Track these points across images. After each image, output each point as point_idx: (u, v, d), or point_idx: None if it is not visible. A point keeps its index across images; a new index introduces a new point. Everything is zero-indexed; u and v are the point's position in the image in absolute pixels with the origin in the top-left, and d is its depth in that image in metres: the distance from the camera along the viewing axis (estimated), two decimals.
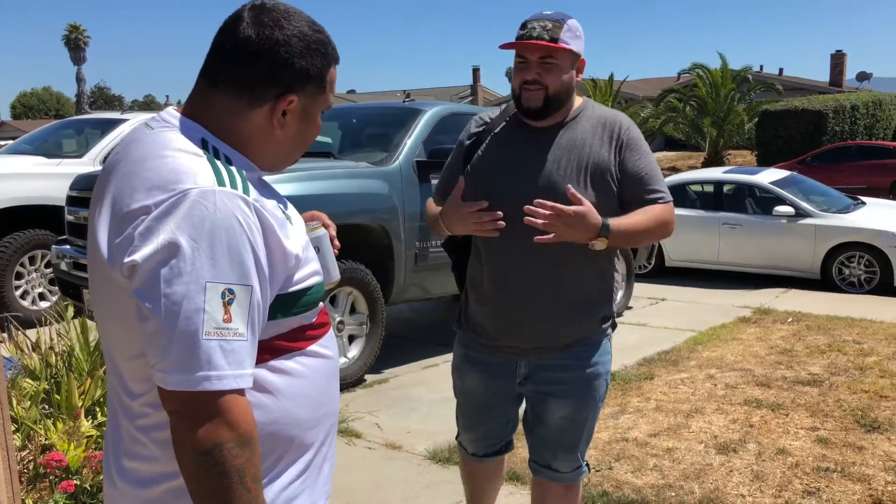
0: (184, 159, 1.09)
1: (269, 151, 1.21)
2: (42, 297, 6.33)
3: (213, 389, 1.01)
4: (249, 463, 1.03)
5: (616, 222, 1.90)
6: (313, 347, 1.23)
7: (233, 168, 1.12)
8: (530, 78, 1.96)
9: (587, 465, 2.24)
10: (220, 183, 1.07)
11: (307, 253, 1.21)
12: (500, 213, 1.93)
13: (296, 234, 1.19)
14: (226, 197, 1.06)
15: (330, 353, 1.28)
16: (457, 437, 2.41)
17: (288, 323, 1.18)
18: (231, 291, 1.03)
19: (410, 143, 5.21)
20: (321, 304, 1.28)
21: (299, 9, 1.21)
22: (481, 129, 2.14)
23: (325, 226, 1.47)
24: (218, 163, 1.11)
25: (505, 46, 1.99)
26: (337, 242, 1.49)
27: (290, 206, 1.26)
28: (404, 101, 5.95)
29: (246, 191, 1.09)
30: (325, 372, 1.26)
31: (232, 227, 1.04)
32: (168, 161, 1.09)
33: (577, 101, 2.08)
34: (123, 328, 1.11)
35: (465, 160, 2.12)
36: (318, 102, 1.22)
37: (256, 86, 1.15)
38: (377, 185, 4.89)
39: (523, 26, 1.97)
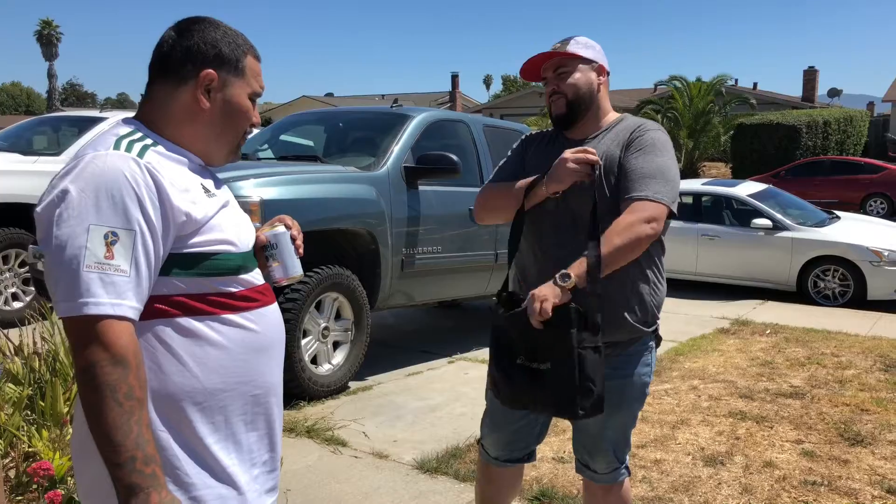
0: (98, 140, 1.30)
1: (199, 130, 1.37)
2: (15, 297, 6.18)
3: (90, 314, 1.16)
4: (122, 381, 1.15)
5: (575, 269, 1.92)
6: (232, 317, 1.34)
7: (139, 142, 1.29)
8: (550, 90, 2.11)
9: (627, 468, 2.25)
10: (116, 148, 1.26)
11: (219, 222, 1.34)
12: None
13: (206, 204, 1.32)
14: (117, 157, 1.24)
15: (257, 327, 1.38)
16: (478, 441, 2.40)
17: (194, 283, 1.30)
18: (115, 234, 1.19)
19: (399, 148, 5.17)
20: (250, 277, 1.39)
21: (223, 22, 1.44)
22: (534, 138, 2.30)
23: (287, 226, 1.56)
24: (124, 139, 1.29)
25: (524, 73, 2.18)
26: (300, 242, 1.57)
27: (224, 188, 1.44)
28: (392, 107, 5.91)
29: (140, 155, 1.26)
30: (247, 345, 1.36)
31: (117, 181, 1.21)
32: (89, 145, 1.30)
33: (614, 114, 2.18)
34: None
35: (521, 161, 2.24)
36: (238, 84, 1.39)
37: (178, 67, 1.36)
38: (365, 190, 4.84)
39: None
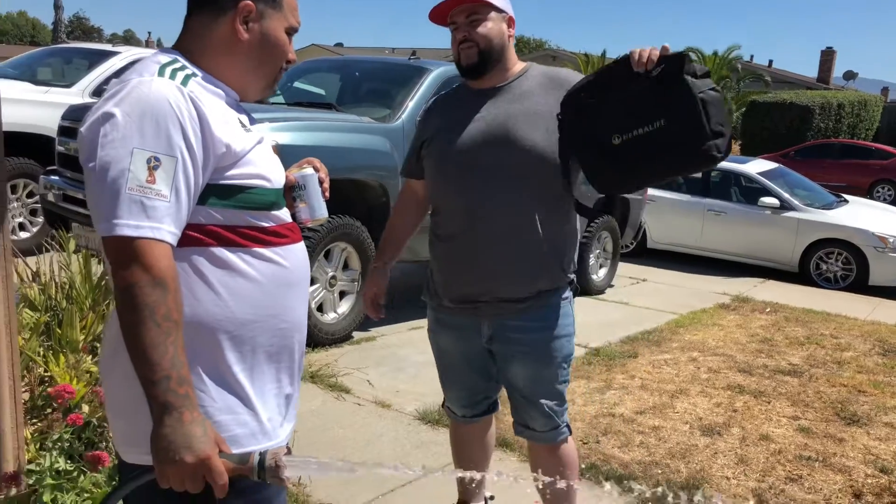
0: (141, 65, 1.31)
1: (237, 62, 1.38)
2: (22, 227, 6.17)
3: (131, 235, 1.18)
4: (161, 302, 1.17)
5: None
6: (264, 251, 1.36)
7: (182, 71, 1.30)
8: (461, 37, 2.06)
9: (568, 426, 2.26)
10: (160, 75, 1.27)
11: (254, 158, 1.35)
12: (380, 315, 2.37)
13: (244, 138, 1.34)
14: (162, 84, 1.24)
15: (286, 263, 1.40)
16: (443, 404, 2.47)
17: (229, 215, 1.32)
18: (157, 159, 1.20)
19: (415, 101, 5.13)
20: (281, 214, 1.41)
21: None
22: (432, 102, 2.29)
23: (316, 169, 1.58)
24: (168, 67, 1.29)
25: (433, 16, 2.10)
26: (326, 185, 1.59)
27: (256, 124, 1.46)
28: (409, 59, 5.84)
29: (184, 83, 1.27)
30: (277, 279, 1.38)
31: (162, 107, 1.22)
32: (131, 70, 1.31)
33: (520, 64, 2.16)
34: None
35: (423, 136, 2.21)
36: (276, 17, 1.40)
37: None
38: (379, 142, 4.82)
39: None
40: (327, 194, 1.60)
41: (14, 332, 1.92)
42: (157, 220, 1.19)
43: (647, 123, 1.80)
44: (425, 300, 2.32)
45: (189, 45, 1.38)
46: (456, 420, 2.43)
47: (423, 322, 5.36)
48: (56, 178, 5.06)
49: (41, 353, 2.45)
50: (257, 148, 1.38)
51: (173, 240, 1.23)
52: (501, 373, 2.24)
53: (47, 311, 2.66)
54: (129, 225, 1.17)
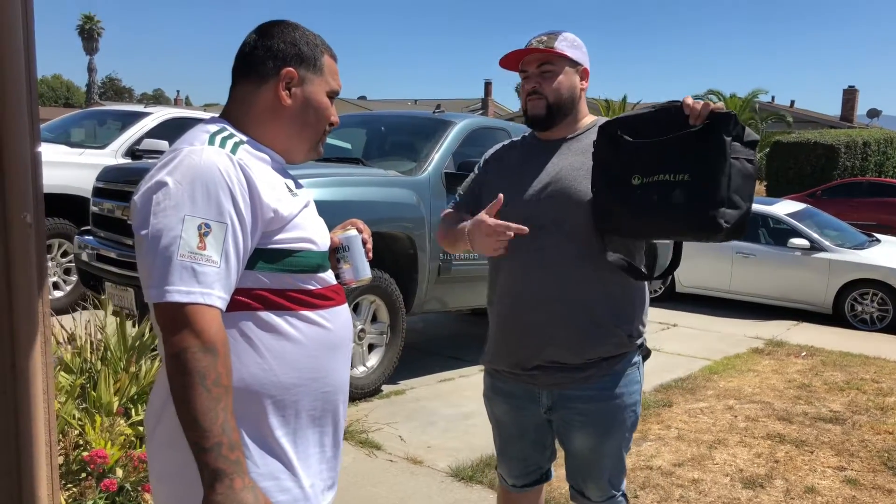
0: (191, 135, 1.35)
1: (282, 127, 1.42)
2: (56, 286, 6.28)
3: (182, 301, 1.20)
4: (211, 368, 1.18)
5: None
6: (309, 314, 1.37)
7: (230, 139, 1.33)
8: (530, 88, 2.00)
9: (624, 495, 2.18)
10: (210, 144, 1.31)
11: (301, 222, 1.38)
12: (526, 229, 1.88)
13: (291, 203, 1.37)
14: (212, 153, 1.28)
15: (331, 325, 1.41)
16: (496, 468, 2.35)
17: (276, 279, 1.34)
18: (207, 226, 1.23)
19: (440, 154, 5.18)
20: (326, 277, 1.43)
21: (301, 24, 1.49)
22: (501, 147, 2.20)
23: (359, 230, 1.62)
24: (217, 135, 1.33)
25: (504, 61, 2.03)
26: (370, 246, 1.63)
27: (304, 190, 1.48)
28: (434, 112, 5.92)
29: (233, 151, 1.31)
30: (322, 342, 1.39)
31: (213, 175, 1.25)
32: (182, 139, 1.36)
33: (590, 117, 2.10)
34: None
35: (481, 184, 2.14)
36: (317, 82, 1.44)
37: (260, 66, 1.41)
38: (405, 195, 4.86)
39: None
40: (370, 255, 1.63)
41: (51, 398, 1.93)
42: (207, 286, 1.21)
43: (672, 173, 1.75)
44: (483, 364, 2.21)
45: (235, 113, 1.43)
46: (506, 488, 2.29)
47: (452, 374, 5.39)
48: (90, 237, 5.16)
49: (76, 416, 2.46)
50: (304, 212, 1.41)
51: (223, 305, 1.25)
52: (560, 439, 2.12)
53: (82, 374, 2.68)
54: (180, 291, 1.20)
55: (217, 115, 1.46)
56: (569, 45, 1.99)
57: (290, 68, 1.41)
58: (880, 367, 6.07)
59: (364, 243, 1.60)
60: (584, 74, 2.03)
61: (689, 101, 1.77)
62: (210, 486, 1.17)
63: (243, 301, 1.31)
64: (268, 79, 1.41)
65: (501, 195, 1.93)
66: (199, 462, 1.17)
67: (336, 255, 1.56)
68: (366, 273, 1.58)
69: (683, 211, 1.74)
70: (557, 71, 1.98)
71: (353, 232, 1.59)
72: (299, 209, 1.39)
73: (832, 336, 7.37)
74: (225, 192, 1.25)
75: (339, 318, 1.45)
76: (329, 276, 1.46)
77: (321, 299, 1.41)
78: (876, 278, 8.06)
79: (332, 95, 1.48)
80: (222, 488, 1.16)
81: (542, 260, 1.94)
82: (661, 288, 8.89)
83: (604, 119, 2.08)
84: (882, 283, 8.02)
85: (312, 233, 1.41)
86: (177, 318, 1.19)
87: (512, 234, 1.86)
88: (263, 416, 1.33)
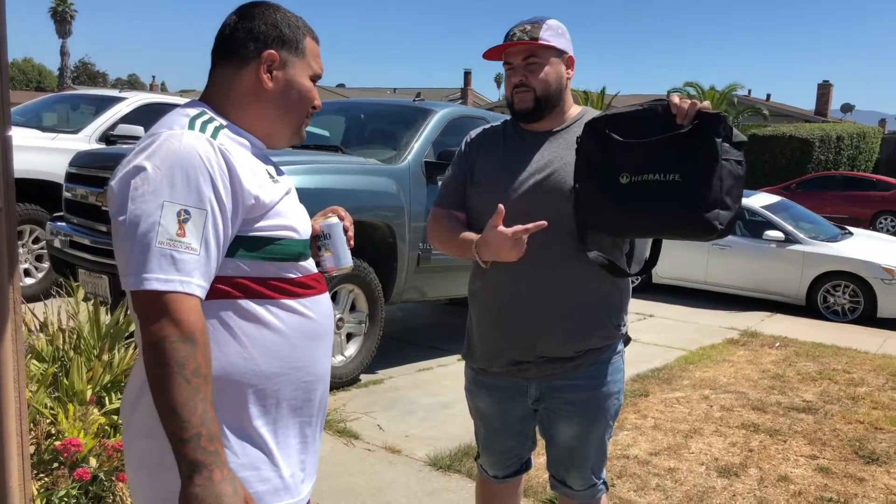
0: (170, 119, 1.31)
1: (264, 111, 1.38)
2: (28, 273, 6.17)
3: (160, 289, 1.16)
4: (190, 358, 1.15)
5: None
6: (290, 302, 1.35)
7: (210, 123, 1.30)
8: (517, 81, 1.94)
9: (605, 483, 2.19)
10: (191, 128, 1.27)
11: (283, 209, 1.35)
12: (544, 223, 1.82)
13: (272, 190, 1.34)
14: (192, 137, 1.24)
15: (312, 314, 1.39)
16: (476, 458, 2.33)
17: (257, 267, 1.31)
18: (187, 212, 1.19)
19: (420, 142, 5.15)
20: (307, 265, 1.41)
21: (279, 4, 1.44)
22: (481, 138, 2.12)
23: (340, 218, 1.59)
24: (197, 119, 1.29)
25: (488, 53, 1.98)
26: (351, 234, 1.60)
27: (285, 177, 1.46)
28: (414, 101, 5.88)
29: (213, 136, 1.27)
30: (303, 331, 1.36)
31: (192, 160, 1.21)
32: (160, 123, 1.31)
33: (576, 108, 2.06)
34: None
35: (467, 171, 2.08)
36: (299, 65, 1.41)
37: (241, 48, 1.37)
38: (385, 183, 4.83)
39: (506, 36, 1.96)
40: (352, 243, 1.60)
41: (22, 387, 1.89)
42: (186, 274, 1.18)
43: (662, 173, 1.73)
44: (464, 359, 2.19)
45: (215, 97, 1.39)
46: (487, 479, 2.27)
47: (430, 363, 5.38)
48: (63, 224, 5.06)
49: (48, 404, 2.42)
50: (285, 199, 1.38)
51: (202, 293, 1.22)
52: (543, 429, 2.12)
53: (55, 362, 2.63)
54: (158, 279, 1.16)
55: (196, 99, 1.42)
56: (553, 33, 1.93)
57: (272, 51, 1.37)
58: (851, 357, 6.17)
59: (345, 231, 1.58)
60: (569, 63, 1.99)
61: (676, 99, 1.75)
62: (188, 477, 1.14)
63: (223, 289, 1.28)
64: (249, 61, 1.37)
65: (502, 206, 1.83)
66: (176, 453, 1.15)
67: (317, 242, 1.53)
68: (347, 261, 1.57)
69: (676, 212, 1.73)
70: (543, 62, 1.93)
71: (335, 219, 1.56)
72: (280, 196, 1.36)
73: (805, 327, 7.47)
74: (205, 177, 1.22)
75: (321, 306, 1.43)
76: (310, 264, 1.43)
77: (302, 288, 1.38)
78: (848, 270, 8.18)
79: (315, 79, 1.45)
80: (200, 480, 1.14)
81: (534, 255, 1.89)
82: (637, 279, 8.95)
83: (591, 111, 2.05)
84: (854, 275, 8.15)
85: (294, 220, 1.38)
86: (155, 307, 1.16)
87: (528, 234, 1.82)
88: (244, 406, 1.30)
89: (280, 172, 1.45)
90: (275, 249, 1.33)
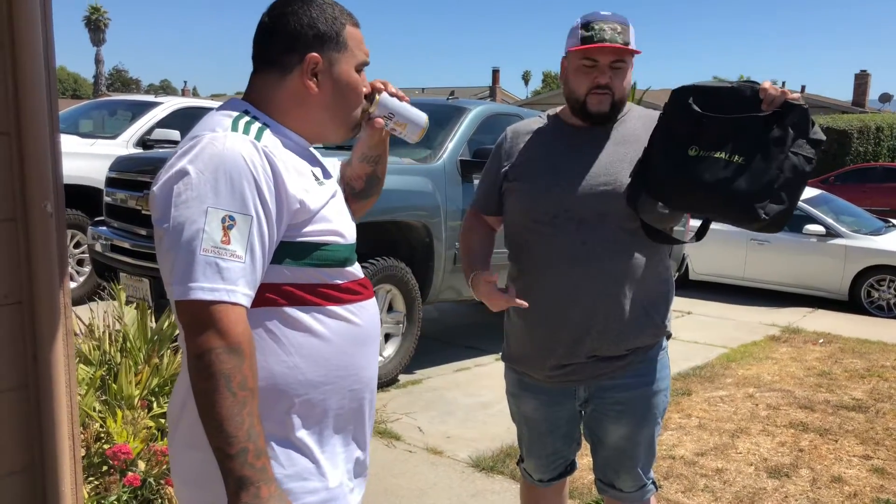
0: (212, 120, 1.26)
1: (313, 114, 1.33)
2: (70, 277, 6.26)
3: (206, 299, 1.12)
4: (237, 370, 1.12)
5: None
6: (336, 309, 1.30)
7: (254, 124, 1.25)
8: (603, 82, 1.86)
9: (654, 483, 2.14)
10: (234, 129, 1.22)
11: (329, 213, 1.30)
12: (525, 304, 1.83)
13: (318, 193, 1.29)
14: (236, 139, 1.20)
15: (359, 320, 1.34)
16: (519, 463, 2.28)
17: (302, 274, 1.26)
18: (231, 218, 1.15)
19: (455, 141, 5.12)
20: (354, 270, 1.37)
21: None
22: (520, 135, 2.06)
23: (379, 90, 1.47)
24: (240, 120, 1.25)
25: (579, 49, 1.85)
26: (401, 93, 1.50)
27: (332, 178, 1.40)
28: (448, 99, 5.86)
29: (258, 137, 1.22)
30: (350, 338, 1.32)
31: (236, 164, 1.17)
32: (201, 124, 1.27)
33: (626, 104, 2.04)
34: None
35: (502, 170, 2.04)
36: (343, 59, 1.34)
37: (281, 57, 1.31)
38: (421, 183, 4.81)
39: (587, 27, 1.86)
40: (407, 98, 1.50)
41: (74, 392, 1.90)
42: (231, 283, 1.14)
43: (729, 153, 1.71)
44: (504, 361, 2.15)
45: (259, 98, 1.34)
46: (532, 483, 2.23)
47: (468, 363, 5.35)
48: (104, 228, 5.13)
49: (97, 408, 2.43)
50: (331, 202, 1.34)
51: (248, 302, 1.17)
52: (590, 432, 2.08)
53: (102, 366, 2.65)
54: (203, 288, 1.12)
55: (239, 98, 1.37)
56: (635, 37, 1.89)
57: (314, 53, 1.30)
58: None
59: (397, 97, 1.47)
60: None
61: (768, 85, 1.72)
62: (235, 494, 1.11)
63: (269, 297, 1.24)
64: (291, 68, 1.31)
65: (525, 303, 1.83)
66: (223, 469, 1.11)
67: (386, 127, 1.47)
68: (422, 118, 1.48)
69: (729, 193, 1.71)
70: (628, 67, 1.89)
71: (384, 95, 1.45)
72: (326, 200, 1.31)
73: (849, 323, 7.29)
74: (250, 182, 1.17)
75: (367, 312, 1.39)
76: (356, 269, 1.39)
77: (349, 293, 1.34)
78: (893, 264, 7.97)
79: (362, 67, 1.38)
80: (247, 497, 1.10)
81: (585, 254, 1.87)
82: (675, 275, 8.82)
83: (636, 108, 2.03)
84: None
85: (340, 225, 1.34)
86: (201, 317, 1.13)
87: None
88: (290, 416, 1.27)
89: (327, 174, 1.39)
90: (321, 255, 1.29)
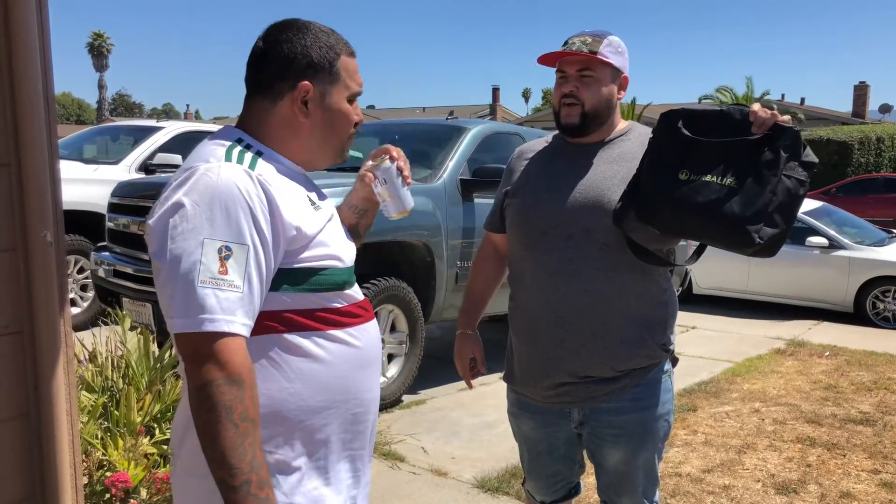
0: (206, 150, 1.27)
1: (302, 142, 1.34)
2: (73, 303, 6.28)
3: (205, 331, 1.13)
4: (238, 401, 1.12)
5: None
6: (337, 333, 1.30)
7: (247, 153, 1.26)
8: (567, 90, 1.89)
9: None
10: (227, 159, 1.23)
11: (326, 238, 1.30)
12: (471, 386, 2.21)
13: (314, 218, 1.29)
14: (229, 169, 1.20)
15: (359, 343, 1.34)
16: (523, 484, 2.27)
17: (301, 299, 1.26)
18: (228, 248, 1.16)
19: (455, 160, 5.14)
20: (353, 293, 1.37)
21: (312, 21, 1.38)
22: (525, 154, 2.09)
23: (392, 158, 1.52)
24: (234, 149, 1.26)
25: (542, 59, 1.93)
26: (407, 172, 1.54)
27: (328, 201, 1.40)
28: (447, 119, 5.89)
29: (252, 166, 1.23)
30: (351, 361, 1.32)
31: (231, 194, 1.17)
32: (195, 154, 1.28)
33: (623, 123, 2.01)
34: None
35: (507, 187, 2.07)
36: (335, 90, 1.35)
37: (272, 83, 1.32)
38: (421, 202, 4.81)
39: (564, 43, 1.91)
40: (409, 181, 1.54)
41: (75, 420, 1.90)
42: (230, 313, 1.14)
43: (719, 175, 1.70)
44: (505, 381, 2.14)
45: (251, 124, 1.35)
46: None
47: (472, 383, 5.28)
48: (106, 253, 5.15)
49: (99, 435, 2.43)
50: (328, 226, 1.34)
51: (247, 332, 1.17)
52: (591, 454, 2.05)
53: (104, 392, 2.65)
54: (202, 320, 1.13)
55: (233, 126, 1.37)
56: (613, 50, 1.88)
57: (305, 82, 1.31)
58: None
59: (400, 171, 1.51)
60: (623, 83, 1.94)
61: (757, 108, 1.71)
62: None
63: (268, 325, 1.24)
64: (282, 95, 1.32)
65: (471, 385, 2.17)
66: (226, 500, 1.11)
67: (375, 189, 1.49)
68: (409, 203, 1.50)
69: (721, 217, 1.68)
70: (598, 78, 1.88)
71: (388, 163, 1.49)
72: (323, 224, 1.32)
73: (854, 335, 7.26)
74: (245, 211, 1.18)
75: (368, 334, 1.39)
76: (355, 291, 1.39)
77: (349, 317, 1.34)
78: None
79: (354, 97, 1.39)
80: None
81: (570, 271, 1.87)
82: (678, 290, 8.80)
83: (638, 126, 2.03)
84: None
85: (337, 249, 1.34)
86: (200, 349, 1.13)
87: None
88: (292, 443, 1.27)
89: (322, 197, 1.40)
90: (319, 280, 1.29)
